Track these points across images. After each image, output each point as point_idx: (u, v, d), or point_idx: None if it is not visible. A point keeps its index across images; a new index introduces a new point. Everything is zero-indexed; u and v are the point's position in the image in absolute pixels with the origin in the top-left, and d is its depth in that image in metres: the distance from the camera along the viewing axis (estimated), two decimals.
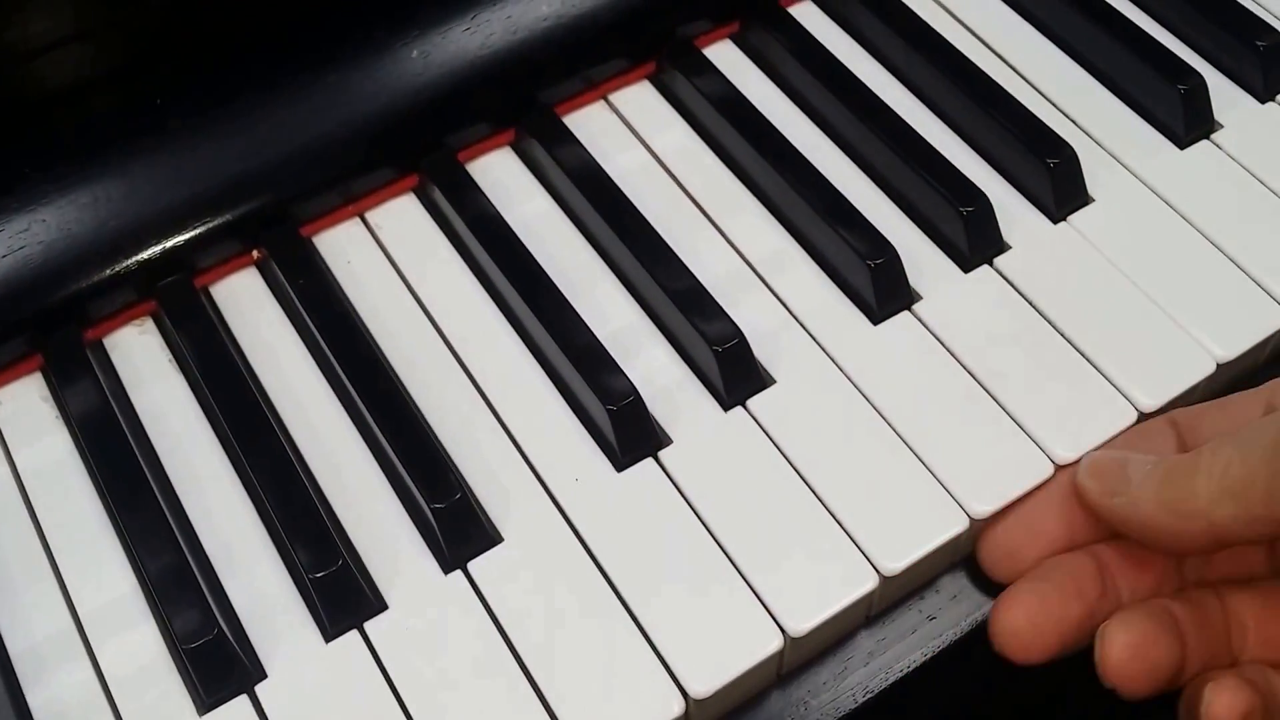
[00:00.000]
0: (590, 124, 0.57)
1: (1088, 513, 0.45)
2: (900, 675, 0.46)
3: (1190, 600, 0.44)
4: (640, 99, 0.58)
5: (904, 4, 0.59)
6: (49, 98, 0.52)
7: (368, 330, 0.51)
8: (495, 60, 0.56)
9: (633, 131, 0.57)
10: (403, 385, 0.49)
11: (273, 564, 0.46)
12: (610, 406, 0.46)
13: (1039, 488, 0.46)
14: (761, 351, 0.49)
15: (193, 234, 0.52)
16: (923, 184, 0.52)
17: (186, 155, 0.52)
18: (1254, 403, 0.45)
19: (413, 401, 0.49)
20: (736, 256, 0.53)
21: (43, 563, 0.46)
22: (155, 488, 0.47)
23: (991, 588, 0.46)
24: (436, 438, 0.48)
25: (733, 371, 0.48)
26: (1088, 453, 0.46)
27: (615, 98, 0.58)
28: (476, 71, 0.55)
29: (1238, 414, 0.45)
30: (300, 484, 0.46)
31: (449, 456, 0.47)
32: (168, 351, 0.51)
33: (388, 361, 0.50)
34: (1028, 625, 0.43)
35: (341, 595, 0.44)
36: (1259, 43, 0.56)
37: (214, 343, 0.50)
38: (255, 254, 0.53)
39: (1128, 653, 0.42)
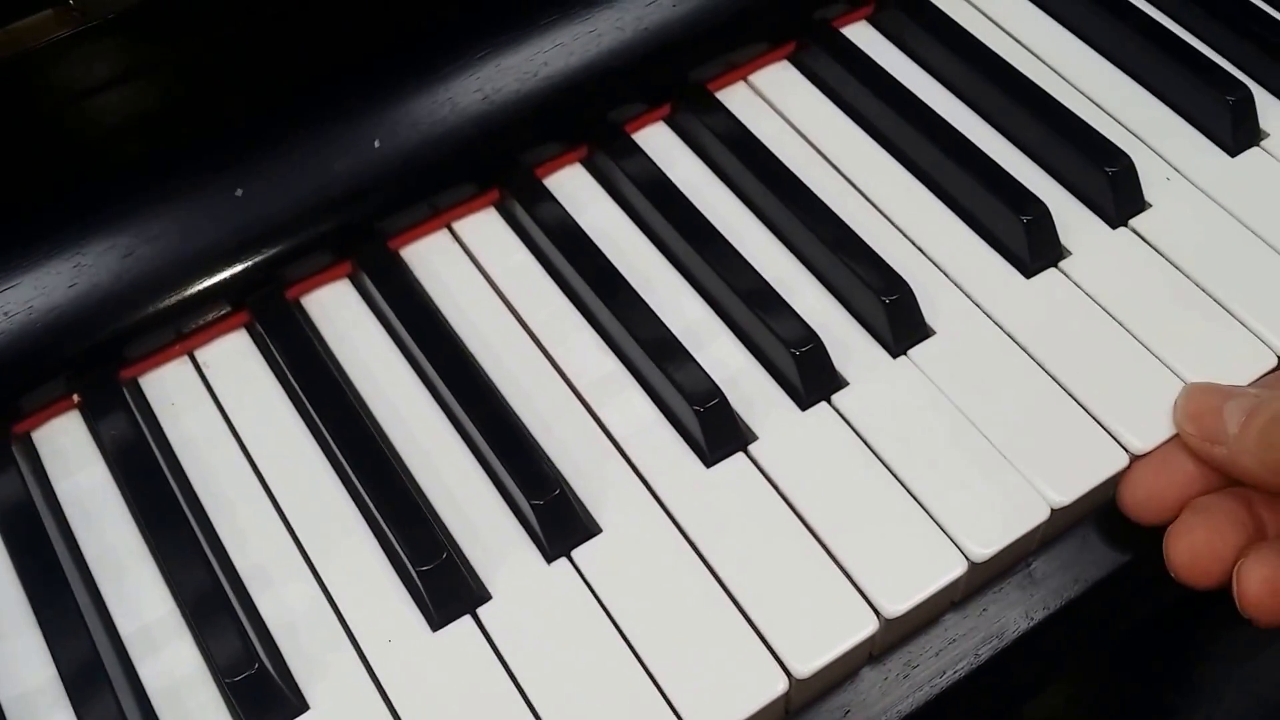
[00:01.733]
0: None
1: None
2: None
3: None
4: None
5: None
6: (118, 130, 0.54)
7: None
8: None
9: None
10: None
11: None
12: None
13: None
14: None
15: (284, 248, 0.54)
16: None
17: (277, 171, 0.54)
18: None
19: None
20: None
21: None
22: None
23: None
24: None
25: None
26: (1188, 385, 0.48)
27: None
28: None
29: None
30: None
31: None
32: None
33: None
34: (1207, 551, 0.45)
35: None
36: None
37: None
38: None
39: (1266, 587, 0.44)
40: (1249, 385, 0.49)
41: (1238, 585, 0.45)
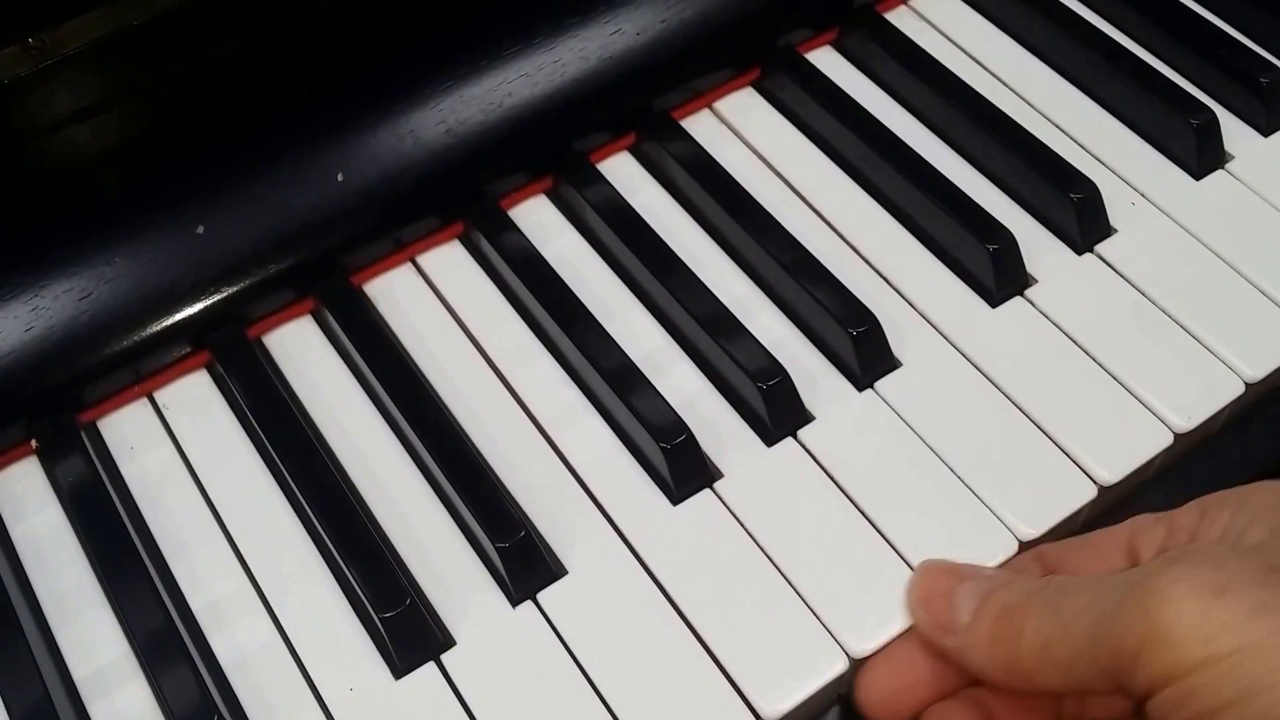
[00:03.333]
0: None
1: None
2: None
3: None
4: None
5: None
6: (87, 163, 0.53)
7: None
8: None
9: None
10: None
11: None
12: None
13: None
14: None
15: (245, 285, 0.53)
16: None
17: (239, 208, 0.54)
18: (1116, 540, 0.43)
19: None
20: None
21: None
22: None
23: None
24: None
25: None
26: (921, 563, 0.45)
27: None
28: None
29: (1100, 552, 0.43)
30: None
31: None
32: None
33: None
34: None
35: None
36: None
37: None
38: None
39: None
40: (993, 567, 0.45)
41: None
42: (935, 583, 0.43)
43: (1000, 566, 0.46)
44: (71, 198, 0.53)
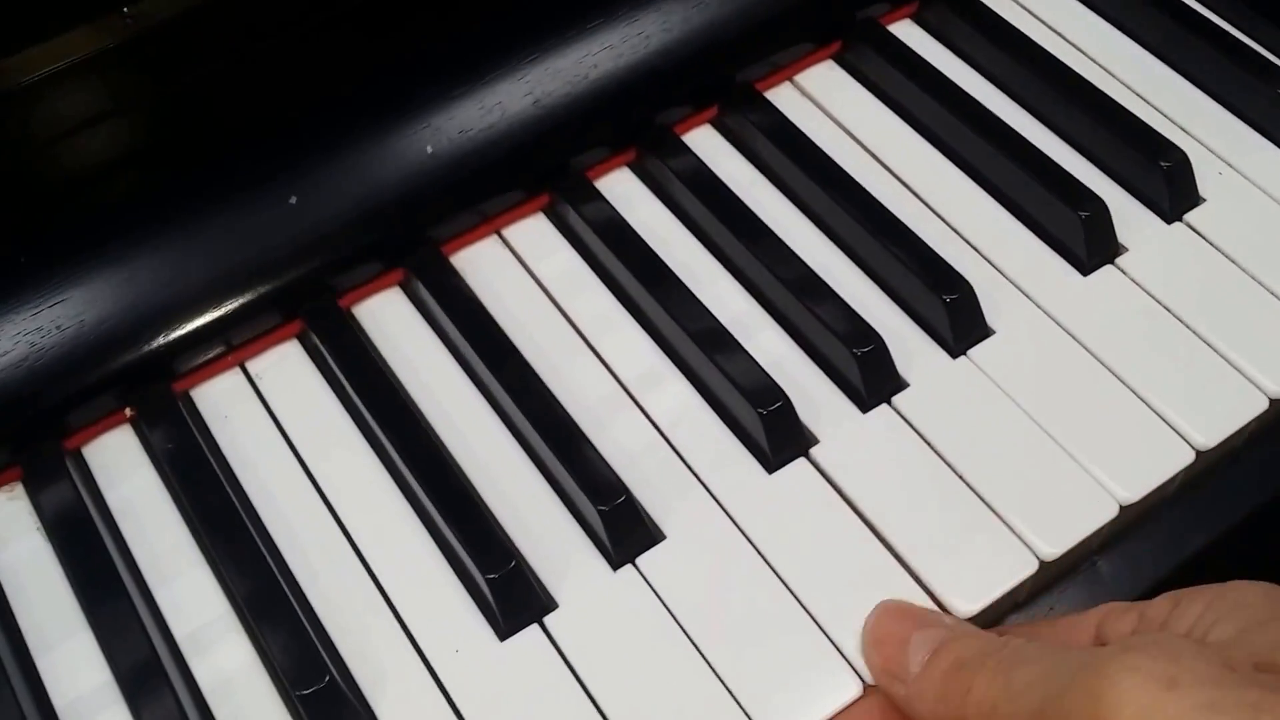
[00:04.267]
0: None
1: None
2: None
3: None
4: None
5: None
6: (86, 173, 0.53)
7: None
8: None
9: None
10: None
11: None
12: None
13: None
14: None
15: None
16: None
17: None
18: (1085, 627, 0.42)
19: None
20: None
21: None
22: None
23: None
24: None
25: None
26: (880, 604, 0.44)
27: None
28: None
29: (1067, 635, 0.42)
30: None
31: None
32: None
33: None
34: None
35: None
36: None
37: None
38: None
39: None
40: (952, 617, 0.44)
41: None
42: (891, 627, 0.42)
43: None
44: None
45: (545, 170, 0.57)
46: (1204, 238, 0.54)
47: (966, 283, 0.51)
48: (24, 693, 0.45)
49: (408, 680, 0.45)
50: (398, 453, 0.49)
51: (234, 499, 0.48)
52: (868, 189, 0.55)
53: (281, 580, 0.46)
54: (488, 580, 0.45)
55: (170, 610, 0.47)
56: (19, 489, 0.50)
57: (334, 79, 0.55)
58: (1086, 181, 0.55)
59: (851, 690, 0.43)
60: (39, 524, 0.49)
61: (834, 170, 0.56)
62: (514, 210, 0.57)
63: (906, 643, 0.41)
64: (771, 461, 0.49)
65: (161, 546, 0.48)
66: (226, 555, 0.47)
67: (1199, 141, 0.57)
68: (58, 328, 0.50)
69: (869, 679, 0.43)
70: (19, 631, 0.46)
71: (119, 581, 0.47)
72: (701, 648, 0.44)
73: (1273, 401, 0.49)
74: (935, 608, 0.44)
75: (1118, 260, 0.53)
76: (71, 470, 0.50)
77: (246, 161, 0.53)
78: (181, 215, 0.53)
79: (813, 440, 0.49)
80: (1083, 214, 0.53)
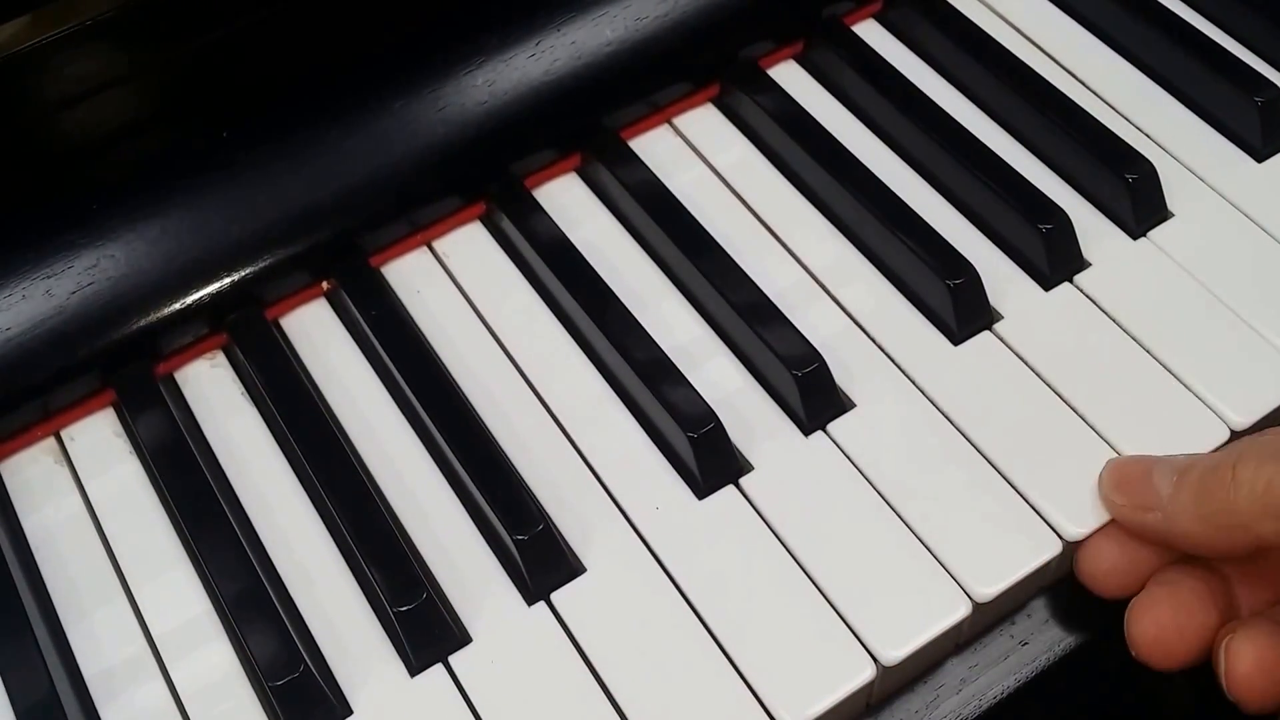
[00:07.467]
0: (655, 146, 0.57)
1: None
2: (993, 702, 0.45)
3: None
4: (704, 121, 0.57)
5: (967, 19, 0.59)
6: (112, 135, 0.52)
7: (440, 359, 0.50)
8: (559, 86, 0.55)
9: (696, 152, 0.56)
10: (477, 412, 0.49)
11: (355, 597, 0.45)
12: (691, 434, 0.46)
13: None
14: (840, 374, 0.48)
15: (262, 266, 0.51)
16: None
17: (254, 188, 0.52)
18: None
19: (488, 429, 0.48)
20: (800, 269, 0.52)
21: (116, 586, 0.46)
22: (230, 515, 0.46)
23: (1081, 612, 0.46)
24: (514, 467, 0.47)
25: (813, 396, 0.47)
26: (1109, 461, 0.45)
27: (679, 120, 0.58)
28: (541, 98, 0.55)
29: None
30: (380, 515, 0.46)
31: (527, 486, 0.46)
32: (239, 384, 0.51)
33: (460, 389, 0.49)
34: (1173, 629, 0.42)
35: (427, 629, 0.43)
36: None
37: (287, 374, 0.50)
38: (325, 285, 0.53)
39: (1256, 667, 0.40)
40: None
41: (1225, 665, 0.41)
42: (1129, 468, 0.44)
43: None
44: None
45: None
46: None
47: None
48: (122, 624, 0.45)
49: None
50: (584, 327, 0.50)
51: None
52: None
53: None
54: (689, 437, 0.45)
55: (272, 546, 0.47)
56: (220, 356, 0.52)
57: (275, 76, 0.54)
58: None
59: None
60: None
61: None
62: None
63: (1149, 474, 0.42)
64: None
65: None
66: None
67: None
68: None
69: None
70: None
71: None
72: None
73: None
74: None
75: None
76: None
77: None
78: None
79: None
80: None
